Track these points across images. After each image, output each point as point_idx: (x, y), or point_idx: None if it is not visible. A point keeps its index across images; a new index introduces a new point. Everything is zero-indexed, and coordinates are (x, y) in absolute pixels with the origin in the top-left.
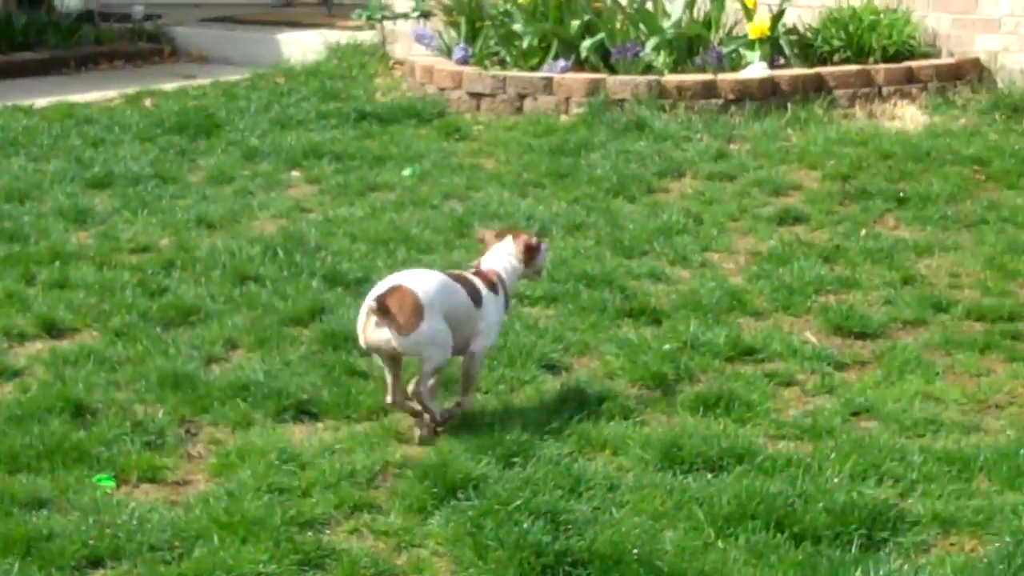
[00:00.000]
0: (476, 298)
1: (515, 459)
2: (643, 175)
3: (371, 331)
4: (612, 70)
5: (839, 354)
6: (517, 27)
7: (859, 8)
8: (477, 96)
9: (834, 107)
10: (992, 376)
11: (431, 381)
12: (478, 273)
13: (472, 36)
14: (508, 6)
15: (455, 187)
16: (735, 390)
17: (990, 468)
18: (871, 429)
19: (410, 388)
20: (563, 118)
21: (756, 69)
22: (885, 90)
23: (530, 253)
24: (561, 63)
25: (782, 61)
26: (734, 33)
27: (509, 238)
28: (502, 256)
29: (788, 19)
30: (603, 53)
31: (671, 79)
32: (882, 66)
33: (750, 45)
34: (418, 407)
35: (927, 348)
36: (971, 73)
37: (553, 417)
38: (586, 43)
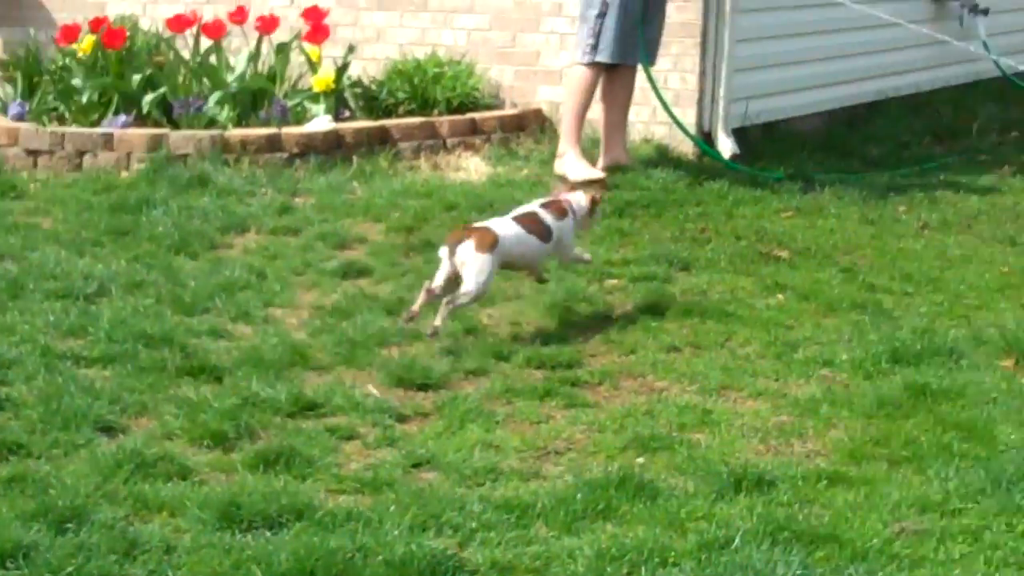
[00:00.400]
0: (544, 235)
1: (68, 524)
2: (206, 231)
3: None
4: (175, 125)
5: (401, 406)
6: (76, 82)
7: (423, 61)
8: (34, 153)
9: (399, 159)
10: (551, 423)
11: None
12: (551, 204)
13: (30, 91)
14: (67, 60)
15: (9, 247)
16: (296, 446)
17: (548, 514)
18: (432, 480)
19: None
20: (124, 174)
21: (321, 122)
22: (450, 142)
23: (594, 205)
24: (122, 118)
25: (347, 114)
26: (299, 86)
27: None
28: (576, 196)
29: (353, 72)
30: (166, 108)
31: (235, 133)
32: (446, 118)
33: (315, 98)
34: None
35: (488, 397)
36: (533, 123)
37: (108, 480)
38: (148, 98)
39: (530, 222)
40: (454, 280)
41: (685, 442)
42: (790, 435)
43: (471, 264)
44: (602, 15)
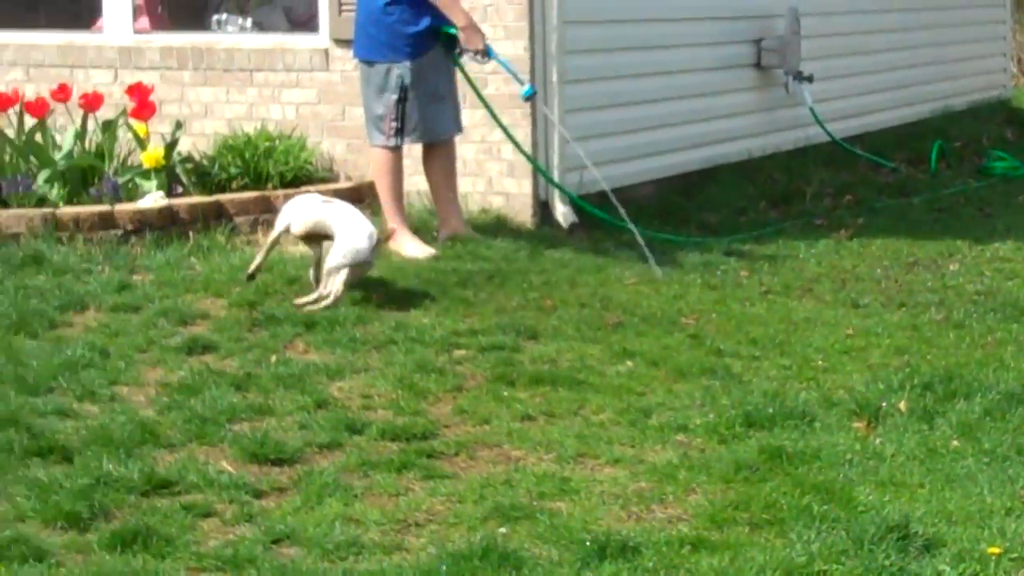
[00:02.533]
0: None
1: None
2: (44, 310)
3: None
4: (4, 204)
5: (257, 481)
6: None
7: (254, 135)
8: None
9: (236, 234)
10: (410, 495)
11: None
12: None
13: None
14: None
15: None
16: (152, 525)
17: None
18: (293, 555)
19: None
20: None
21: (154, 198)
22: None
23: None
24: None
25: (180, 190)
26: (129, 163)
27: None
28: None
29: (183, 148)
30: None
31: (67, 211)
32: (281, 191)
33: (146, 175)
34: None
35: (344, 470)
36: (370, 196)
37: None
38: None
39: None
40: None
41: (546, 511)
42: (650, 501)
43: None
44: (402, 99)
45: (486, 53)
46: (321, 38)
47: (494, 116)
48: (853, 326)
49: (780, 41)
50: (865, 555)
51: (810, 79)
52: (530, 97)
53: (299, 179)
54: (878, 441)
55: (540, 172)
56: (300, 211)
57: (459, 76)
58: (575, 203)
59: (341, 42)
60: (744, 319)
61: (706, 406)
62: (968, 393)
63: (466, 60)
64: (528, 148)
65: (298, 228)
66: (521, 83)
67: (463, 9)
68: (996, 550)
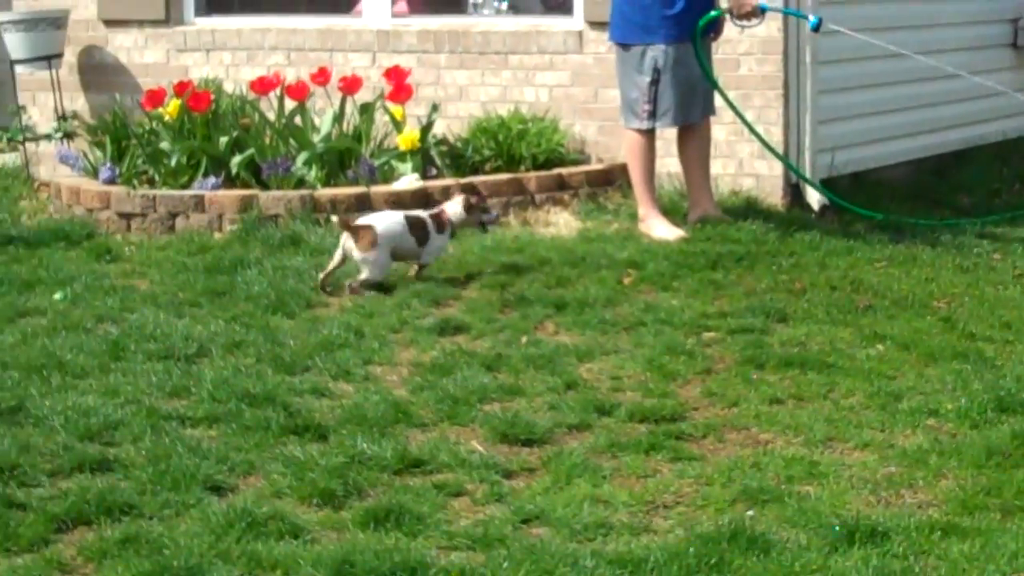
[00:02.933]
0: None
1: None
2: (301, 290)
3: (344, 243)
4: (264, 186)
5: (507, 462)
6: (164, 145)
7: (507, 118)
8: (127, 216)
9: None
10: (658, 477)
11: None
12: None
13: (119, 155)
14: (154, 124)
15: (109, 309)
16: (405, 503)
17: (661, 569)
18: (542, 535)
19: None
20: (217, 236)
21: (409, 180)
22: (538, 197)
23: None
24: (212, 180)
25: (434, 172)
26: (385, 145)
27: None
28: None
29: (438, 130)
30: (254, 169)
31: (324, 193)
32: (533, 174)
33: (401, 157)
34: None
35: (593, 452)
36: (621, 178)
37: (221, 540)
38: (236, 159)
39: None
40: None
41: (794, 494)
42: (900, 486)
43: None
44: (655, 81)
45: (760, 10)
46: (576, 20)
47: (730, 104)
48: None
49: None
50: None
51: None
52: (818, 27)
53: (551, 161)
54: None
55: (787, 164)
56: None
57: (713, 57)
58: (823, 189)
59: (595, 24)
60: (997, 302)
61: (957, 390)
62: None
63: (739, 26)
64: (780, 128)
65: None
66: (805, 18)
67: None
68: None
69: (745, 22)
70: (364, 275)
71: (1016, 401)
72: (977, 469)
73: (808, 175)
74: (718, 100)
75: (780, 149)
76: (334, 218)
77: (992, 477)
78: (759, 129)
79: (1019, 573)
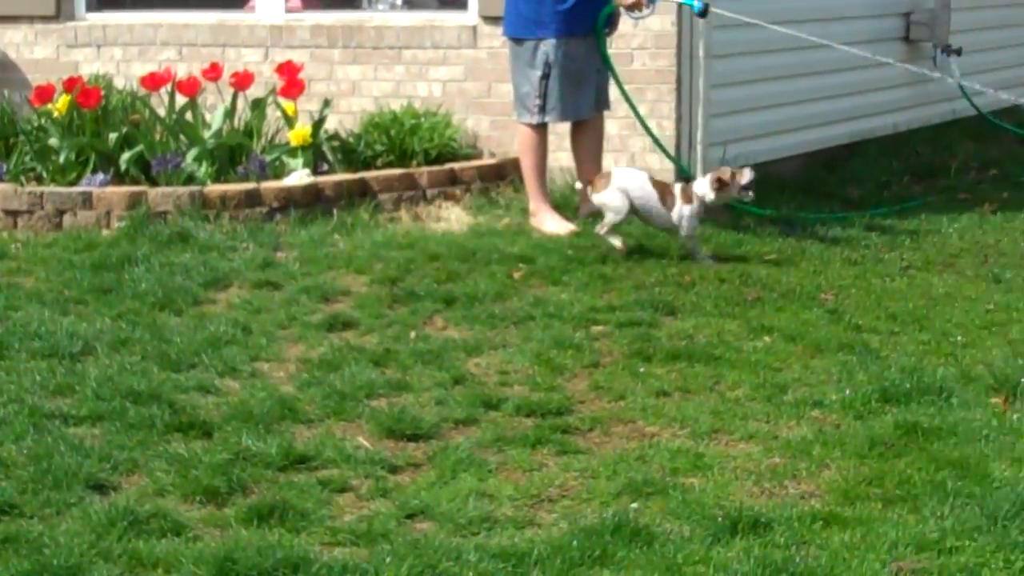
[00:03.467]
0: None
1: None
2: (189, 287)
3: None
4: (153, 182)
5: (392, 457)
6: (53, 142)
7: (400, 113)
8: (13, 214)
9: (380, 211)
10: (544, 470)
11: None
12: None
13: (6, 152)
14: (43, 121)
15: None
16: (289, 499)
17: (545, 562)
18: (426, 530)
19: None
20: (105, 233)
21: (299, 176)
22: (429, 192)
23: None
24: (100, 177)
25: (326, 167)
26: (277, 141)
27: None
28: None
29: (330, 125)
30: (143, 165)
31: (214, 189)
32: (425, 169)
33: (293, 152)
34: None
35: (479, 446)
36: (513, 173)
37: (102, 538)
38: (125, 156)
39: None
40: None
41: (679, 486)
42: (783, 477)
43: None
44: (546, 76)
45: (648, 0)
46: (470, 15)
47: (627, 98)
48: (994, 301)
49: (929, 14)
50: (999, 531)
51: (958, 52)
52: (703, 12)
53: (443, 156)
54: (1016, 417)
55: (672, 159)
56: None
57: (609, 53)
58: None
59: (489, 19)
60: (884, 294)
61: (843, 382)
62: None
63: (631, 18)
64: (673, 122)
65: None
66: (690, 4)
67: None
68: None
69: (636, 13)
70: (606, 218)
71: (900, 392)
72: (860, 459)
73: (700, 168)
74: (612, 94)
75: (672, 143)
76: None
77: (874, 467)
78: (651, 124)
79: (898, 561)
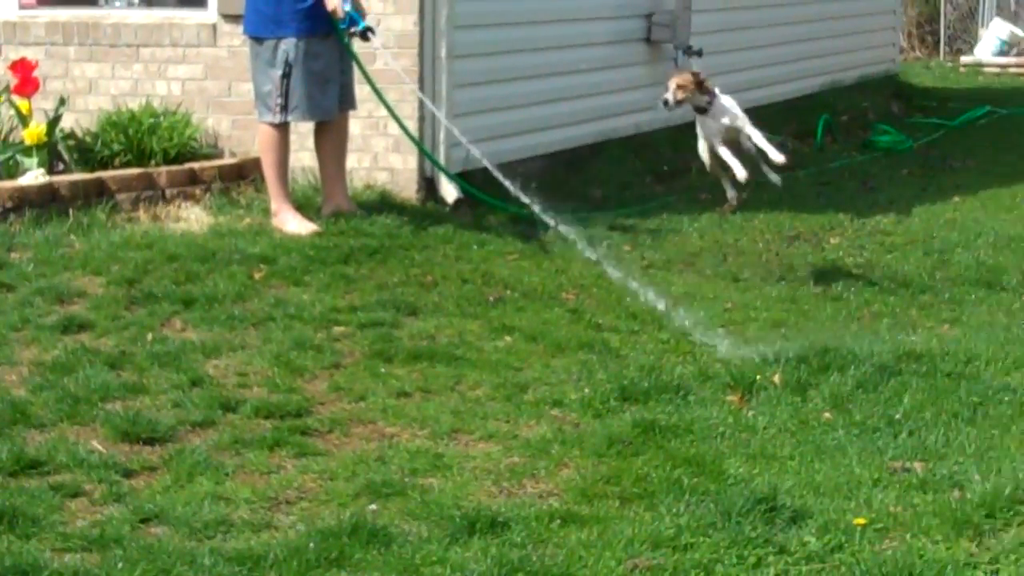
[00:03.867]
0: None
1: None
2: None
3: None
4: None
5: (127, 461)
6: None
7: (138, 112)
8: None
9: (117, 212)
10: (282, 473)
11: None
12: None
13: None
14: None
15: None
16: (19, 505)
17: (281, 564)
18: (161, 535)
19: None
20: None
21: (34, 175)
22: (169, 192)
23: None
24: None
25: (62, 167)
26: (10, 140)
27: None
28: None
29: (66, 124)
30: None
31: None
32: (164, 168)
33: (27, 151)
34: None
35: (217, 449)
36: (254, 172)
37: None
38: None
39: None
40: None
41: (418, 487)
42: (522, 476)
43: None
44: (287, 75)
45: (344, 11)
46: (209, 13)
47: (379, 95)
48: (732, 300)
49: (670, 15)
50: (732, 527)
51: (699, 53)
52: (365, 32)
53: (183, 155)
54: (751, 414)
55: (424, 153)
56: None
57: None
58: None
59: (229, 17)
60: (624, 293)
61: (582, 381)
62: (842, 366)
63: (362, 27)
64: (414, 123)
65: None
66: (359, 22)
67: None
68: (862, 521)
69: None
70: None
71: (638, 390)
72: (598, 458)
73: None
74: (360, 94)
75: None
76: None
77: (612, 465)
78: (393, 124)
79: (634, 558)
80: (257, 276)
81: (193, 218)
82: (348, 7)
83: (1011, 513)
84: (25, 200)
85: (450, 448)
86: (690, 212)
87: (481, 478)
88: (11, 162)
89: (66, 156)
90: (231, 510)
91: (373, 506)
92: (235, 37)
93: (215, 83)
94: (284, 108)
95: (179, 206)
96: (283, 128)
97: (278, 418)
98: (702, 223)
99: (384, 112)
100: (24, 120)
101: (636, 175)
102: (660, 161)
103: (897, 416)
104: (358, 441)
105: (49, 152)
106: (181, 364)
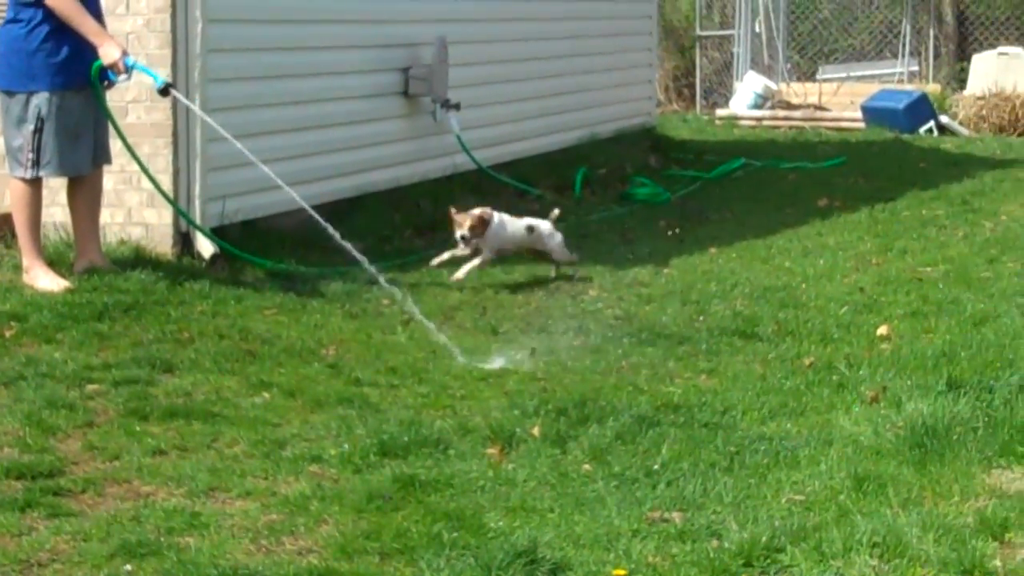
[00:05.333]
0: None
1: None
2: None
3: None
4: None
5: None
6: None
7: None
8: None
9: None
10: (34, 534)
11: None
12: None
13: None
14: None
15: None
16: None
17: None
18: None
19: None
20: None
21: None
22: None
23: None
24: None
25: None
26: None
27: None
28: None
29: None
30: None
31: None
32: None
33: None
34: None
35: None
36: (3, 228)
37: None
38: None
39: None
40: None
41: (174, 546)
42: (280, 533)
43: None
44: (39, 130)
45: (125, 65)
46: None
47: (130, 150)
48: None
49: (428, 69)
50: None
51: (457, 107)
52: (164, 89)
53: None
54: (511, 467)
55: (177, 210)
56: None
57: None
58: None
59: None
60: (384, 348)
61: (342, 436)
62: (601, 417)
63: (115, 80)
64: (169, 176)
65: None
66: (154, 78)
67: (94, 23)
68: (621, 572)
69: (116, 76)
70: None
71: (398, 444)
72: (358, 513)
73: (199, 223)
74: (113, 147)
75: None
76: None
77: (373, 521)
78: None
79: None
80: (8, 334)
81: None
82: (130, 61)
83: (768, 561)
84: None
85: (207, 506)
86: (451, 267)
87: (239, 536)
88: None
89: None
90: None
91: (128, 567)
92: None
93: None
94: (36, 163)
95: None
96: (36, 183)
97: (30, 479)
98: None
99: (137, 167)
100: None
101: (396, 229)
102: (420, 214)
103: (656, 467)
104: (113, 501)
105: None
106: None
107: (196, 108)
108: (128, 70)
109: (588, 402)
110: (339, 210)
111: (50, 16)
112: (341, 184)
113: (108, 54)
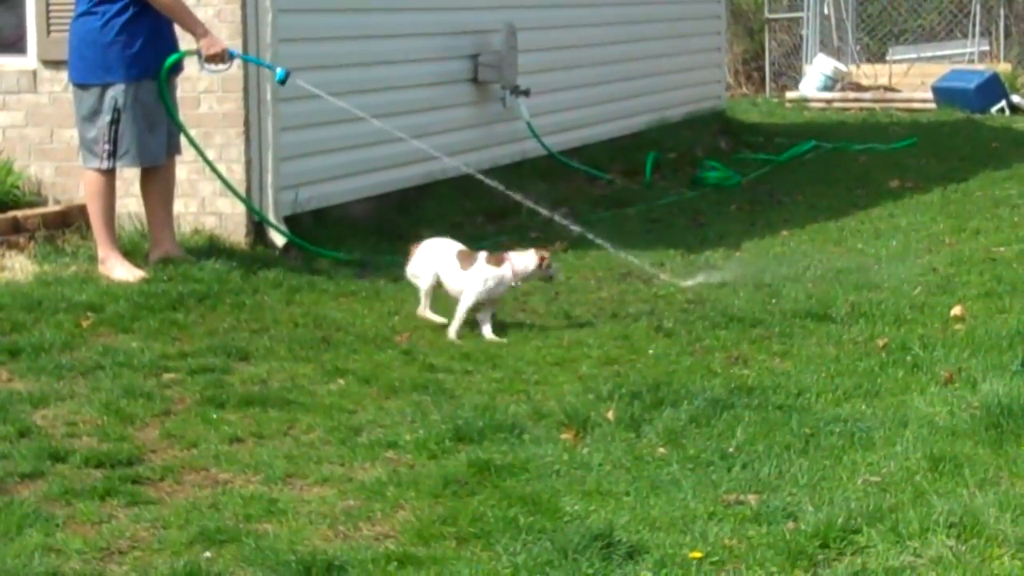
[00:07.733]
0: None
1: None
2: None
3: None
4: None
5: None
6: None
7: None
8: None
9: None
10: (114, 522)
11: None
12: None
13: None
14: None
15: None
16: None
17: None
18: None
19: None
20: None
21: None
22: None
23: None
24: None
25: None
26: None
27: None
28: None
29: None
30: None
31: None
32: None
33: None
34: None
35: (46, 500)
36: (79, 219)
37: None
38: None
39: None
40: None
41: (252, 533)
42: (358, 519)
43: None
44: (115, 121)
45: (230, 56)
46: (29, 59)
47: (195, 147)
48: (565, 338)
49: (497, 56)
50: (569, 564)
51: (527, 93)
52: (284, 80)
53: (5, 204)
54: (585, 451)
55: (244, 203)
56: None
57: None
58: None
59: (49, 63)
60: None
61: (416, 422)
62: (675, 400)
63: (207, 69)
64: (242, 166)
65: None
66: (272, 69)
67: (195, 15)
68: (698, 554)
69: (213, 65)
70: None
71: (473, 430)
72: (434, 499)
73: (271, 213)
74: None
75: (242, 187)
76: None
77: (448, 506)
78: (221, 167)
79: None
80: (85, 324)
81: (18, 267)
82: (234, 52)
83: (844, 543)
84: None
85: (284, 493)
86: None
87: (316, 522)
88: None
89: None
90: (62, 561)
91: (207, 554)
92: (56, 83)
93: (36, 130)
94: (112, 154)
95: (3, 255)
96: (110, 174)
97: (109, 467)
98: None
99: (211, 156)
100: None
101: (466, 215)
102: (490, 201)
103: (730, 449)
104: (191, 488)
105: None
106: (8, 415)
107: (323, 93)
108: (231, 58)
109: (662, 385)
110: (409, 198)
111: (125, 8)
112: (411, 171)
113: (212, 44)
